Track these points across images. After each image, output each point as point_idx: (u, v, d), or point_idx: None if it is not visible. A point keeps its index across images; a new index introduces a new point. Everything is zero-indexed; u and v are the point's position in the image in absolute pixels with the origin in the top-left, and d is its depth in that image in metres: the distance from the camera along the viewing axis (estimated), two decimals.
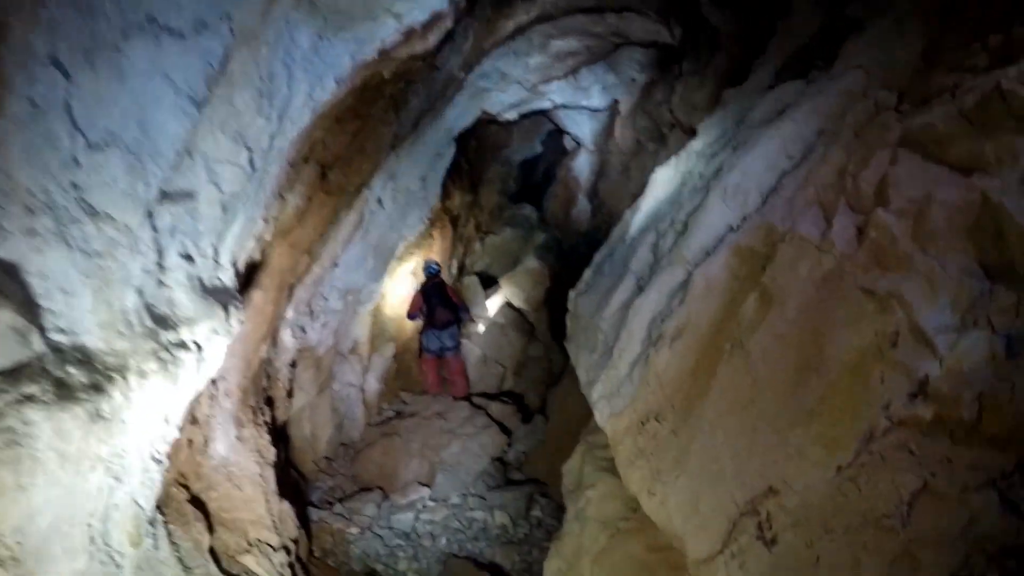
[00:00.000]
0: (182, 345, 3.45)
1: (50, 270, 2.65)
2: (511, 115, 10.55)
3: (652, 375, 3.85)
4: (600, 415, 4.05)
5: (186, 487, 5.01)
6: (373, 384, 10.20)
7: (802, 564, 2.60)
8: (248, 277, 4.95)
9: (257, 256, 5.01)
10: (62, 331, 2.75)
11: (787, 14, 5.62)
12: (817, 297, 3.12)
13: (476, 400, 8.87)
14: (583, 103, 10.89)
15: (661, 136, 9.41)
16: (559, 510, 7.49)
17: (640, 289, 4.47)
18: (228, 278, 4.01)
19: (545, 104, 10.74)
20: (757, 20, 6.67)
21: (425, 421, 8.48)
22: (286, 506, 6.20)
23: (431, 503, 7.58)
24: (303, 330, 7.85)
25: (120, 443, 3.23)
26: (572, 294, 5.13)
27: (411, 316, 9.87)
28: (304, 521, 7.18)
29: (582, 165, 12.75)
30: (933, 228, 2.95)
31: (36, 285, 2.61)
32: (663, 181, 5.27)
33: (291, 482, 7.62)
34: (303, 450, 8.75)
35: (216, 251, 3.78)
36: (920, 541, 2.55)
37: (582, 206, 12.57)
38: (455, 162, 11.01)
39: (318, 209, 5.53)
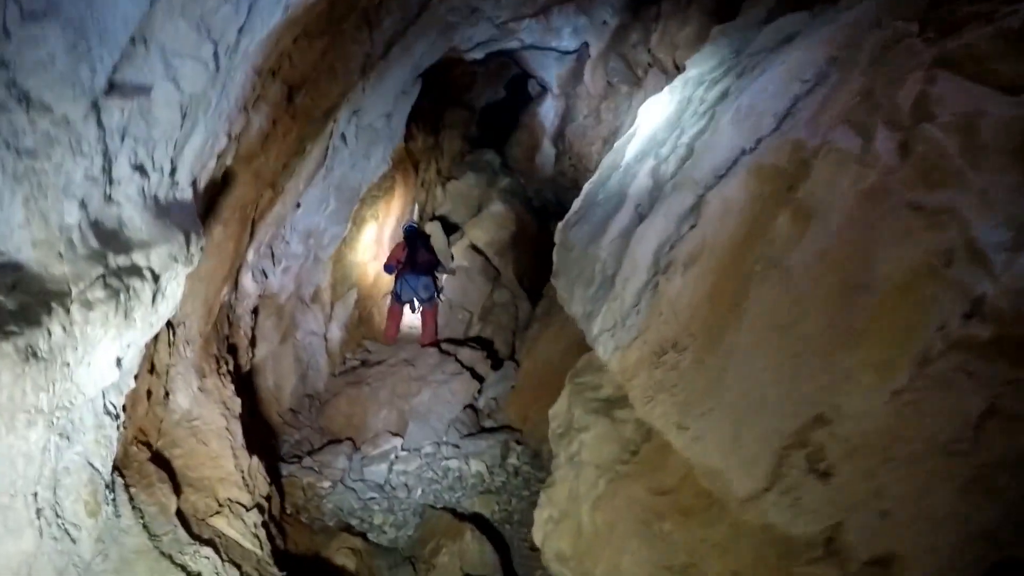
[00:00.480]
0: (135, 272, 2.94)
1: None
2: (478, 54, 9.97)
3: (664, 303, 3.50)
4: (603, 349, 3.70)
5: (147, 445, 4.50)
6: (336, 333, 9.70)
7: (863, 496, 2.30)
8: (209, 205, 4.40)
9: (218, 181, 4.45)
10: None
11: None
12: (861, 213, 2.80)
13: (444, 346, 8.47)
14: (553, 44, 10.36)
15: (635, 78, 8.99)
16: (536, 457, 7.20)
17: (641, 216, 4.10)
18: (187, 199, 3.48)
19: (513, 43, 10.18)
20: None
21: (392, 369, 8.05)
22: (255, 461, 5.73)
23: (403, 453, 7.21)
24: (264, 274, 7.29)
25: (65, 391, 2.72)
26: (560, 225, 4.73)
27: (388, 268, 9.40)
28: (275, 476, 6.74)
29: (547, 110, 12.24)
30: (984, 143, 2.68)
31: None
32: (657, 109, 4.87)
33: (258, 435, 7.14)
34: (267, 402, 8.24)
35: (174, 165, 3.24)
36: (994, 465, 2.28)
37: (547, 151, 12.10)
38: (417, 104, 10.41)
39: (283, 135, 4.96)
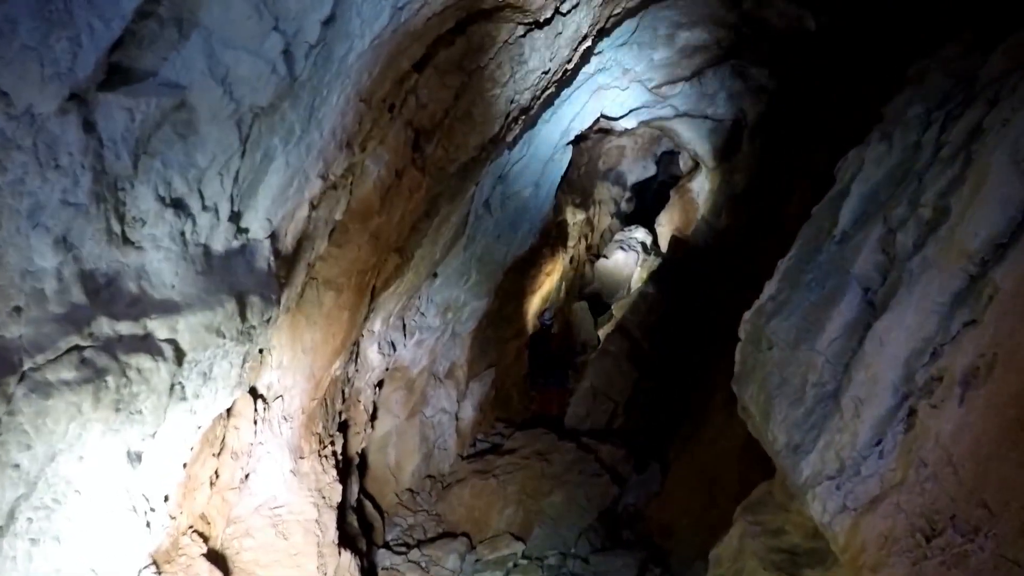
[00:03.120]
0: (143, 346, 1.98)
1: None
2: (629, 122, 8.91)
3: (930, 446, 2.08)
4: (819, 507, 2.32)
5: (203, 536, 3.55)
6: (469, 412, 8.66)
7: None
8: (305, 265, 3.50)
9: (321, 241, 3.55)
10: None
11: None
12: None
13: (584, 440, 7.15)
14: (707, 111, 9.13)
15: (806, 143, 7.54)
16: None
17: (873, 305, 2.70)
18: (260, 254, 2.54)
19: (666, 111, 9.04)
20: None
21: (524, 461, 6.83)
22: (346, 559, 4.68)
23: (523, 561, 5.89)
24: (393, 346, 6.42)
25: (22, 495, 1.77)
26: (749, 315, 3.40)
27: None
28: (371, 571, 5.66)
29: (700, 185, 10.91)
30: None
31: None
32: (870, 160, 3.49)
33: (363, 519, 6.14)
34: (384, 480, 7.27)
35: (237, 208, 2.32)
36: None
37: (699, 229, 10.70)
38: (567, 176, 9.49)
39: (410, 191, 4.07)
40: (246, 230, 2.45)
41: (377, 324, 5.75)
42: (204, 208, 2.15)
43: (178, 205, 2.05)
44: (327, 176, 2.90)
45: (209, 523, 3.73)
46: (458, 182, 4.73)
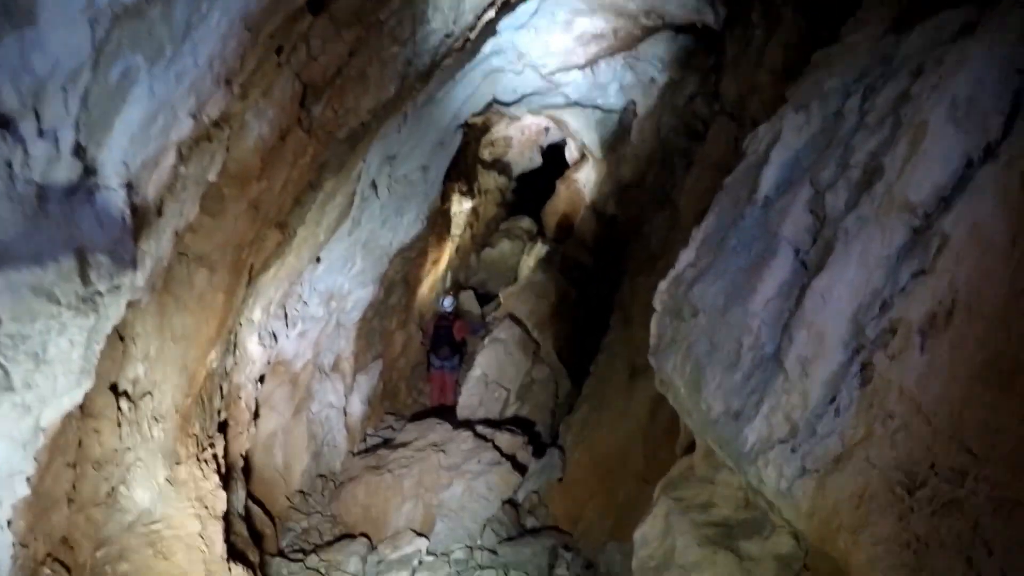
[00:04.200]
0: None
1: None
2: (521, 110, 8.69)
3: (894, 395, 1.92)
4: (772, 472, 2.12)
5: (65, 566, 2.88)
6: (357, 406, 8.09)
7: None
8: (172, 233, 2.92)
9: (192, 206, 2.98)
10: None
11: None
12: None
13: (480, 429, 6.81)
14: (598, 101, 9.07)
15: (695, 132, 7.62)
16: (589, 568, 5.45)
17: (805, 265, 2.56)
18: (113, 205, 2.00)
19: (557, 99, 8.89)
20: None
21: (420, 454, 6.39)
22: (238, 574, 4.07)
23: (429, 558, 5.48)
24: (275, 337, 5.78)
25: None
26: (665, 284, 3.19)
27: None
28: None
29: (587, 176, 10.89)
30: None
31: None
32: (788, 132, 3.41)
33: (253, 527, 5.48)
34: (273, 483, 6.58)
35: (84, 137, 1.78)
36: None
37: (586, 218, 10.69)
38: (454, 163, 9.12)
39: (294, 157, 3.54)
40: (95, 171, 1.90)
41: (256, 312, 5.12)
42: (40, 134, 1.60)
43: (5, 125, 1.50)
44: (199, 116, 2.35)
45: (73, 548, 3.04)
46: (346, 151, 4.23)
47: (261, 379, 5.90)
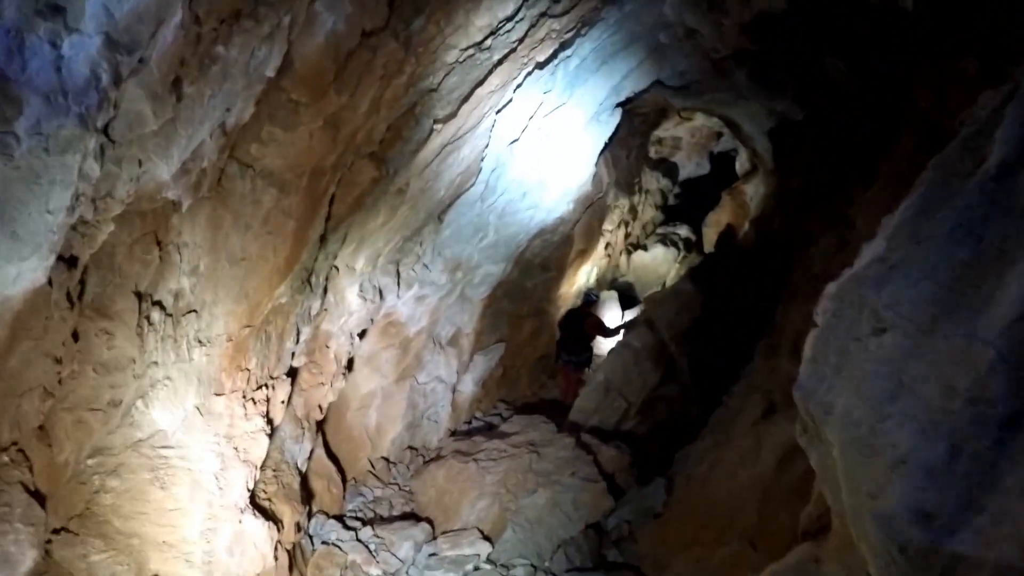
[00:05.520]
0: None
1: None
2: (684, 100, 7.45)
3: None
4: None
5: (27, 458, 2.40)
6: (469, 386, 7.44)
7: None
8: (211, 129, 2.31)
9: (241, 103, 2.36)
10: None
11: None
12: None
13: (585, 438, 5.85)
14: (771, 101, 7.63)
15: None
16: None
17: None
18: (85, 51, 1.41)
19: (728, 94, 7.55)
20: None
21: (513, 450, 5.57)
22: (254, 528, 3.50)
23: (486, 566, 4.64)
24: (381, 294, 5.22)
25: None
26: (833, 287, 2.06)
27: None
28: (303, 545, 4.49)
29: (755, 188, 9.40)
30: None
31: None
32: None
33: (312, 483, 4.98)
34: (359, 443, 6.11)
35: None
36: None
37: (748, 234, 9.22)
38: (613, 155, 8.15)
39: (385, 72, 2.85)
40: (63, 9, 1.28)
41: (359, 261, 4.57)
42: None
43: None
44: None
45: (51, 445, 2.59)
46: (460, 83, 3.47)
47: (362, 334, 5.40)
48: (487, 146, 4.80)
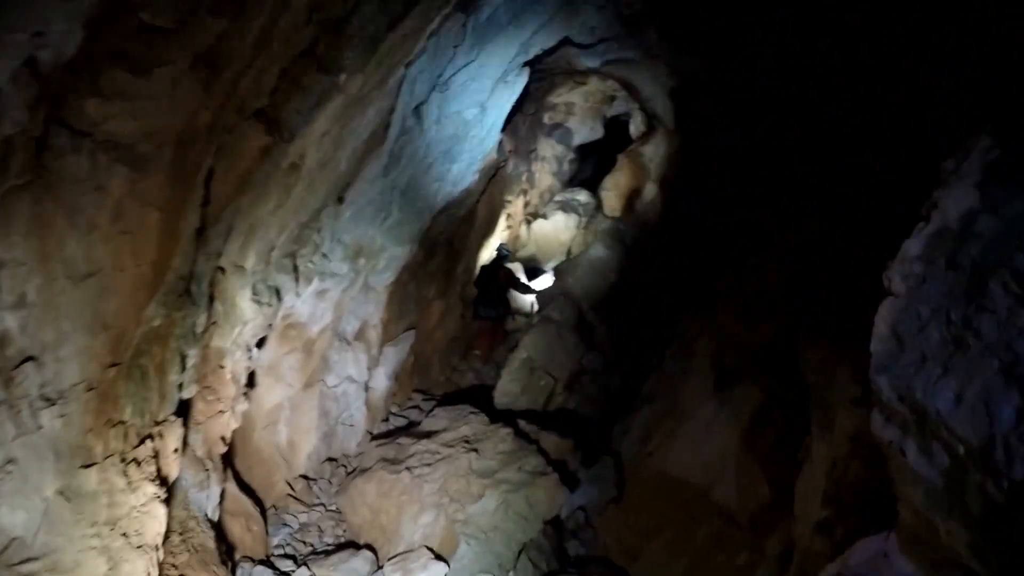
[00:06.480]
0: None
1: None
2: (593, 60, 6.96)
3: None
4: None
5: None
6: (382, 381, 6.58)
7: None
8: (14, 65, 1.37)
9: (61, 22, 1.42)
10: None
11: None
12: None
13: (523, 425, 5.24)
14: (680, 60, 7.30)
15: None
16: None
17: None
18: None
19: (632, 54, 7.12)
20: None
21: (447, 451, 4.84)
22: None
23: None
24: (278, 294, 4.25)
25: None
26: (915, 246, 1.55)
27: None
28: None
29: (654, 149, 9.10)
30: None
31: None
32: None
33: (229, 530, 4.03)
34: (272, 465, 5.14)
35: None
36: None
37: (650, 196, 8.94)
38: (511, 122, 7.48)
39: (280, 6, 1.99)
40: None
41: (250, 258, 3.60)
42: None
43: None
44: None
45: None
46: (378, 29, 2.63)
47: (260, 344, 4.42)
48: (393, 109, 3.95)
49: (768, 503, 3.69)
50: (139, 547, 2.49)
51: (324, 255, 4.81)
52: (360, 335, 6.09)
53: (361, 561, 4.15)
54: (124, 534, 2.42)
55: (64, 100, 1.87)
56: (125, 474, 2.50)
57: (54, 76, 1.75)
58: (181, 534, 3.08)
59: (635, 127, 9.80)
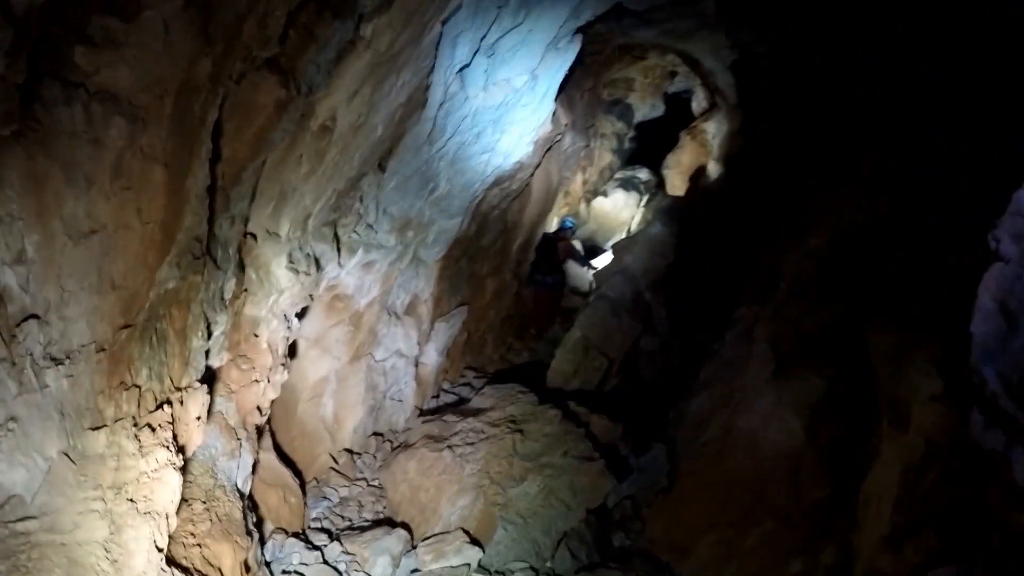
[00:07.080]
0: None
1: None
2: (648, 33, 6.47)
3: None
4: None
5: None
6: (433, 357, 6.44)
7: None
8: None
9: None
10: None
11: None
12: None
13: (571, 406, 4.96)
14: (740, 33, 6.71)
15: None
16: None
17: None
18: None
19: (690, 23, 6.58)
20: None
21: (492, 431, 4.63)
22: None
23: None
24: (317, 263, 4.12)
25: None
26: None
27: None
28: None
29: (717, 127, 8.54)
30: None
31: None
32: None
33: (262, 501, 3.98)
34: (316, 438, 5.09)
35: None
36: None
37: (713, 175, 8.40)
38: (568, 96, 7.11)
39: None
40: None
41: (284, 224, 3.46)
42: None
43: None
44: None
45: None
46: None
47: (302, 314, 4.32)
48: (432, 70, 3.70)
49: (827, 506, 3.29)
50: (146, 513, 2.39)
51: (369, 226, 4.66)
52: (410, 309, 5.95)
53: (395, 540, 4.00)
54: (131, 499, 2.33)
55: (49, 48, 1.73)
56: (137, 438, 2.40)
57: (32, 19, 1.60)
58: (205, 502, 3.00)
59: (697, 104, 9.23)
